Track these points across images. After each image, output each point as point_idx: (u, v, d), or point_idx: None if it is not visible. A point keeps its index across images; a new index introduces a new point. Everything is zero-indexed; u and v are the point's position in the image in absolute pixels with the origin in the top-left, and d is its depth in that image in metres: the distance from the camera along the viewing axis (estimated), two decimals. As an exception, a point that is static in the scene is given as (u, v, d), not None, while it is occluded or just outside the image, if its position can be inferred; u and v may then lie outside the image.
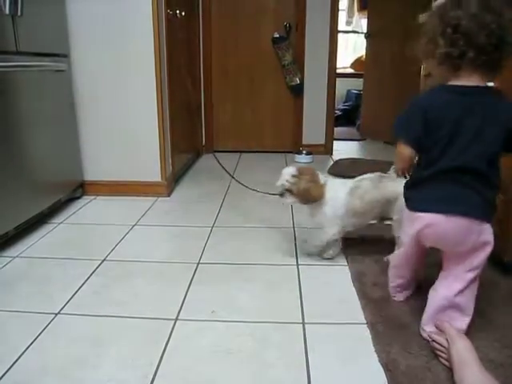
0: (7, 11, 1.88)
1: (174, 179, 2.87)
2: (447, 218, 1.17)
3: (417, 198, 1.26)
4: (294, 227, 2.21)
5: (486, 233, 1.19)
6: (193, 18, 3.61)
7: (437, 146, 1.17)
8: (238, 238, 2.10)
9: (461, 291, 1.23)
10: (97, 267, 1.76)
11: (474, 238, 1.18)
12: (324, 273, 1.73)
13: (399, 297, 1.51)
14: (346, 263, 1.80)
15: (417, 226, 1.24)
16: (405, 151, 1.27)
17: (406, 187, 1.32)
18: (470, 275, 1.22)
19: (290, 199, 1.77)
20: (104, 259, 1.84)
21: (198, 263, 1.80)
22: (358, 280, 1.64)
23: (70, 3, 2.44)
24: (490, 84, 1.20)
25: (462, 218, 1.16)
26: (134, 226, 2.23)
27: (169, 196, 2.72)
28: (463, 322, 1.26)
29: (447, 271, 1.27)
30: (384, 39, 4.63)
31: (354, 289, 1.59)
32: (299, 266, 1.78)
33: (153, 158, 2.65)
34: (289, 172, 1.76)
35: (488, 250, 1.21)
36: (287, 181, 1.74)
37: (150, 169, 2.65)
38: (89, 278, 1.68)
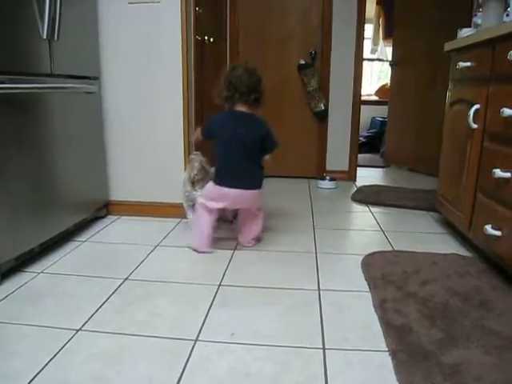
0: (45, 36, 1.96)
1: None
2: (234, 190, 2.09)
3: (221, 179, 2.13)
4: (316, 252, 2.19)
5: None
6: (221, 44, 3.69)
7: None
8: (260, 260, 2.10)
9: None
10: (119, 286, 1.78)
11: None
12: (345, 298, 1.71)
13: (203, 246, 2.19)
14: (368, 289, 1.77)
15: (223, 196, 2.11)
16: None
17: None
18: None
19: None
20: (126, 278, 1.85)
21: (220, 285, 1.80)
22: (381, 306, 1.61)
23: (102, 28, 2.54)
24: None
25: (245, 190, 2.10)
26: (156, 246, 2.25)
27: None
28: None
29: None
30: (409, 67, 4.65)
31: (375, 315, 1.57)
32: (320, 291, 1.76)
33: (178, 180, 2.68)
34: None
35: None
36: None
37: (175, 191, 2.68)
38: (111, 296, 1.69)
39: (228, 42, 3.89)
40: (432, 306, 1.61)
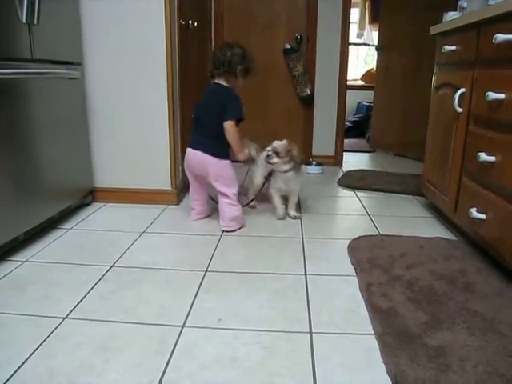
0: (24, 20, 1.91)
1: (184, 187, 2.88)
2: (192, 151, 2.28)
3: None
4: (302, 237, 2.20)
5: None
6: (205, 28, 3.65)
7: None
8: (247, 246, 2.10)
9: None
10: (105, 273, 1.77)
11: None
12: (332, 282, 1.72)
13: (192, 216, 2.45)
14: (354, 273, 1.79)
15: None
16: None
17: None
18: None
19: (273, 160, 2.36)
20: (112, 265, 1.84)
21: (206, 271, 1.80)
22: (367, 290, 1.62)
23: (84, 12, 2.48)
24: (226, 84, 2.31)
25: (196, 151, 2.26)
26: (142, 233, 2.23)
27: (178, 204, 2.73)
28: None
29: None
30: (395, 52, 4.65)
31: (362, 299, 1.58)
32: (307, 276, 1.77)
33: (163, 166, 2.66)
34: (277, 143, 2.41)
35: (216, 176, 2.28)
36: (274, 147, 2.38)
37: (161, 177, 2.67)
38: (97, 283, 1.68)
39: (213, 26, 3.84)
40: (417, 290, 1.63)
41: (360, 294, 1.62)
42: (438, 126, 2.47)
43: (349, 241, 2.11)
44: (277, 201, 2.49)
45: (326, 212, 2.67)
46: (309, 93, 3.83)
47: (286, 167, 2.39)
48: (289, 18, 3.84)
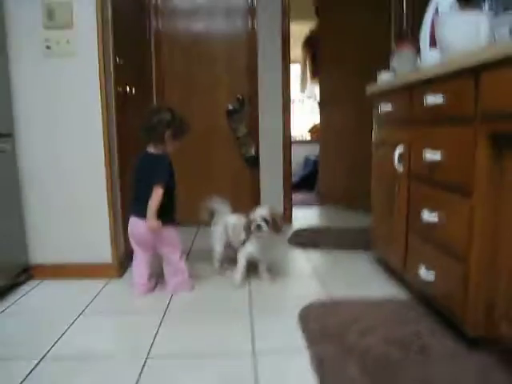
0: None
1: (126, 258, 2.74)
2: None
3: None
4: (251, 308, 2.09)
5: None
6: (147, 93, 3.61)
7: None
8: (192, 323, 1.96)
9: None
10: (32, 369, 1.58)
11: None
12: (283, 360, 1.61)
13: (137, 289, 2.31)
14: (306, 346, 1.68)
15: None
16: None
17: None
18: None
19: (265, 229, 2.25)
20: (43, 357, 1.66)
21: (147, 358, 1.65)
22: (319, 367, 1.52)
23: (16, 82, 2.39)
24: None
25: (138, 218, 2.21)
26: (80, 314, 2.06)
27: (121, 277, 2.57)
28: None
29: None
30: (336, 106, 4.73)
31: (316, 379, 1.48)
32: (256, 356, 1.65)
33: (102, 238, 2.52)
34: (263, 210, 2.31)
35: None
36: (263, 216, 2.26)
37: (100, 250, 2.52)
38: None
39: (154, 90, 3.81)
40: (372, 359, 1.54)
41: (312, 372, 1.51)
42: (380, 182, 2.48)
43: (299, 308, 2.02)
44: (243, 266, 2.40)
45: (275, 276, 2.57)
46: (253, 154, 3.82)
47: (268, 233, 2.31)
48: (230, 79, 3.87)
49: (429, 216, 1.77)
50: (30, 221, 2.51)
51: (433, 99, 1.72)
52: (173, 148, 2.31)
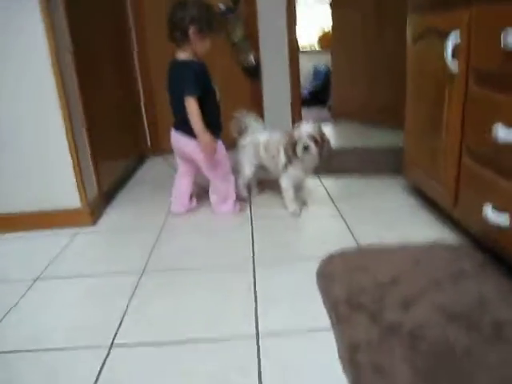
0: None
1: (102, 200, 2.24)
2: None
3: None
4: (254, 264, 1.60)
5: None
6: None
7: None
8: (174, 291, 1.48)
9: None
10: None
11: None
12: (297, 349, 1.13)
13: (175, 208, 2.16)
14: (329, 325, 1.20)
15: None
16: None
17: None
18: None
19: (314, 152, 1.86)
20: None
21: (111, 345, 1.19)
22: (351, 362, 1.04)
23: None
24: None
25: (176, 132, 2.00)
26: (36, 280, 1.60)
27: (94, 224, 2.09)
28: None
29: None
30: (351, 6, 3.99)
31: (345, 378, 1.00)
32: (259, 340, 1.18)
33: (64, 180, 2.00)
34: (310, 127, 1.87)
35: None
36: (311, 134, 1.85)
37: (62, 194, 2.01)
38: None
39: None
40: (426, 351, 1.06)
41: (341, 368, 1.04)
42: (419, 88, 1.88)
43: (317, 262, 1.53)
44: (292, 195, 2.05)
45: (284, 213, 2.06)
46: (253, 62, 3.18)
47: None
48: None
49: (506, 134, 1.21)
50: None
51: None
52: (202, 48, 1.95)
